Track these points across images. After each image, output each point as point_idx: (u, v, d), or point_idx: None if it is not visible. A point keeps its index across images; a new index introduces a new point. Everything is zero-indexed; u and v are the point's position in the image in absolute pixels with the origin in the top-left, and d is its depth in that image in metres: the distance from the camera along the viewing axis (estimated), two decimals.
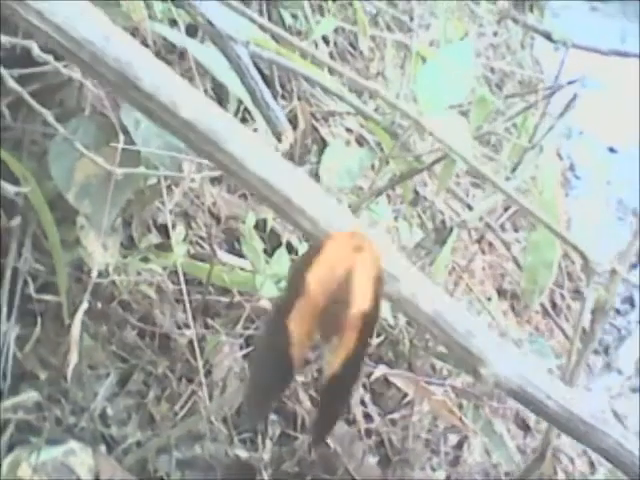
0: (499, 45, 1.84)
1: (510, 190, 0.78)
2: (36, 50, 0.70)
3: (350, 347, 0.49)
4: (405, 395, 1.18)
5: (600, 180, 2.03)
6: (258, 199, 0.52)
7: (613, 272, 0.68)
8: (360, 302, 0.49)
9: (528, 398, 0.54)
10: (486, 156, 1.10)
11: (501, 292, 1.55)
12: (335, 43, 1.35)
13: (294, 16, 1.27)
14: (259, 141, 0.52)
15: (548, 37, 1.70)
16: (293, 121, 1.17)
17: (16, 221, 0.88)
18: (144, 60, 0.51)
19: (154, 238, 1.05)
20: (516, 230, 1.63)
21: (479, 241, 1.23)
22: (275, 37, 0.94)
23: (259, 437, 1.06)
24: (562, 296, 1.60)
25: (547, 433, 0.85)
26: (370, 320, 0.49)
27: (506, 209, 1.63)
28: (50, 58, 0.72)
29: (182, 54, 0.99)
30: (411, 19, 1.43)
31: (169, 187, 0.98)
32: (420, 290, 0.52)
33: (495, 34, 1.84)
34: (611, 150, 2.12)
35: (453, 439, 1.26)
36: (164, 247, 1.04)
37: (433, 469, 1.21)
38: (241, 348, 1.04)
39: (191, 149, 0.51)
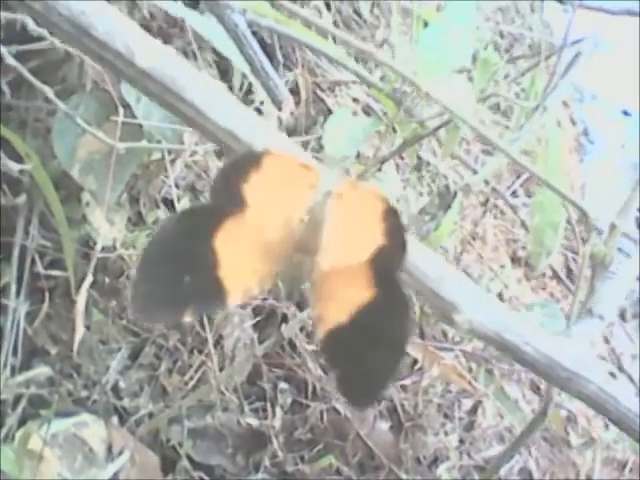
0: (508, 9, 1.82)
1: (511, 150, 0.78)
2: (31, 24, 0.71)
3: (358, 299, 0.46)
4: (417, 361, 1.18)
5: (614, 144, 2.01)
6: (224, 151, 0.50)
7: (612, 226, 0.67)
8: (337, 254, 0.46)
9: (505, 344, 0.52)
10: (495, 121, 1.09)
11: (515, 259, 1.55)
12: (339, 11, 1.34)
13: None
14: (221, 89, 0.51)
15: None
16: (297, 92, 1.16)
17: (22, 199, 0.89)
18: (98, 8, 0.49)
19: (162, 214, 1.05)
20: (529, 196, 1.62)
21: (485, 204, 1.23)
22: (274, 5, 0.94)
23: (270, 405, 1.07)
24: (576, 262, 1.59)
25: (548, 388, 0.85)
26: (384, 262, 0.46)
27: (518, 176, 1.63)
28: (45, 32, 0.72)
29: (183, 28, 0.98)
30: None
31: (173, 161, 0.98)
32: None
33: None
34: (625, 113, 2.09)
35: (467, 404, 1.26)
36: None
37: (446, 434, 1.22)
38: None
39: (152, 100, 0.49)
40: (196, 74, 0.50)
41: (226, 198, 0.46)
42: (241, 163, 0.47)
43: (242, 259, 0.46)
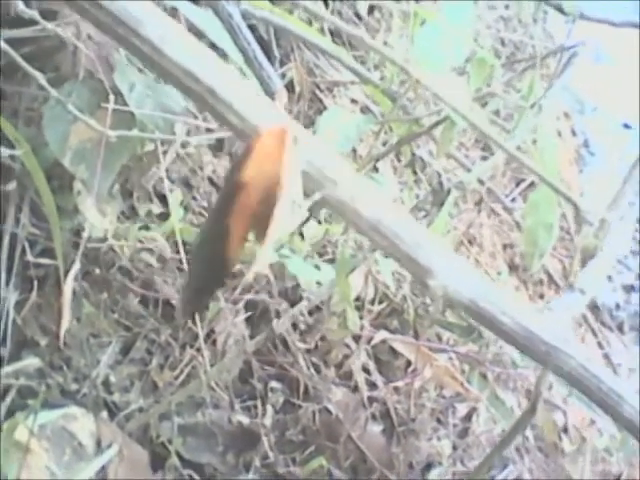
0: (510, 18, 1.82)
1: (508, 146, 0.77)
2: (20, 6, 0.70)
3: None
4: (410, 363, 1.17)
5: (615, 156, 2.00)
6: (180, 90, 0.48)
7: (603, 220, 0.67)
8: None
9: (481, 313, 0.51)
10: (492, 121, 1.08)
11: (512, 267, 1.54)
12: (340, 12, 1.34)
13: None
14: (178, 26, 0.49)
15: (559, 9, 1.68)
16: (295, 90, 1.16)
17: (12, 185, 0.88)
18: None
19: (155, 208, 1.05)
20: None
21: (479, 203, 1.22)
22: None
23: (261, 403, 1.06)
24: None
25: (537, 385, 0.84)
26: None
27: (517, 184, 1.63)
28: (36, 15, 0.72)
29: (178, 19, 0.98)
30: None
31: (166, 153, 0.98)
32: (360, 194, 0.49)
33: (507, 7, 1.82)
34: (625, 126, 2.09)
35: (461, 410, 1.25)
36: (166, 217, 1.04)
37: (439, 439, 1.21)
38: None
39: (106, 34, 0.47)
40: (154, 8, 0.48)
41: (233, 186, 0.48)
42: (242, 154, 0.48)
43: (241, 228, 0.48)
